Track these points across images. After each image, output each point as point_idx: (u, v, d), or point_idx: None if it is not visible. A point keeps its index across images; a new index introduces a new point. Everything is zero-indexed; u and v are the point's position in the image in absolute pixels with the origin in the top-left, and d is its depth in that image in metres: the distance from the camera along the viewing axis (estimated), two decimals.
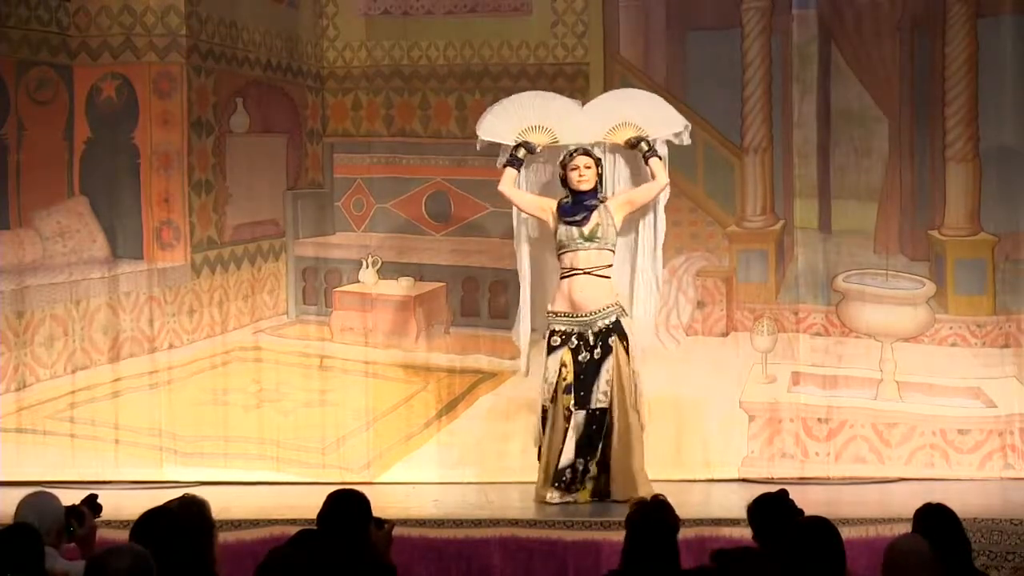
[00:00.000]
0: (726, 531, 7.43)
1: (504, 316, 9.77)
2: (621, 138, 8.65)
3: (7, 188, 9.79)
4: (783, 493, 5.70)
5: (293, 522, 7.01)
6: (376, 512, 5.41)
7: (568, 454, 8.36)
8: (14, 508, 5.46)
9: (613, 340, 8.38)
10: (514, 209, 8.76)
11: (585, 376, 8.37)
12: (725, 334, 10.01)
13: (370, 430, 9.91)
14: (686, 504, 7.48)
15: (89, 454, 9.74)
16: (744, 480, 9.61)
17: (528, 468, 8.87)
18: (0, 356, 9.72)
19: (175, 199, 9.89)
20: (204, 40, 9.94)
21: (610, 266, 8.48)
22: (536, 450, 8.57)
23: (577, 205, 8.45)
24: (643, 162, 8.62)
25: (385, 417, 9.96)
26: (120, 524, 6.20)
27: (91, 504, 5.61)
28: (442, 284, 10.17)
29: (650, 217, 8.69)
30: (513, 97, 8.94)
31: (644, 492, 7.97)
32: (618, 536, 5.29)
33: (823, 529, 4.75)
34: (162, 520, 5.04)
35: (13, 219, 9.81)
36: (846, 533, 5.17)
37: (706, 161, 10.05)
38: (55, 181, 9.86)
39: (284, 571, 4.31)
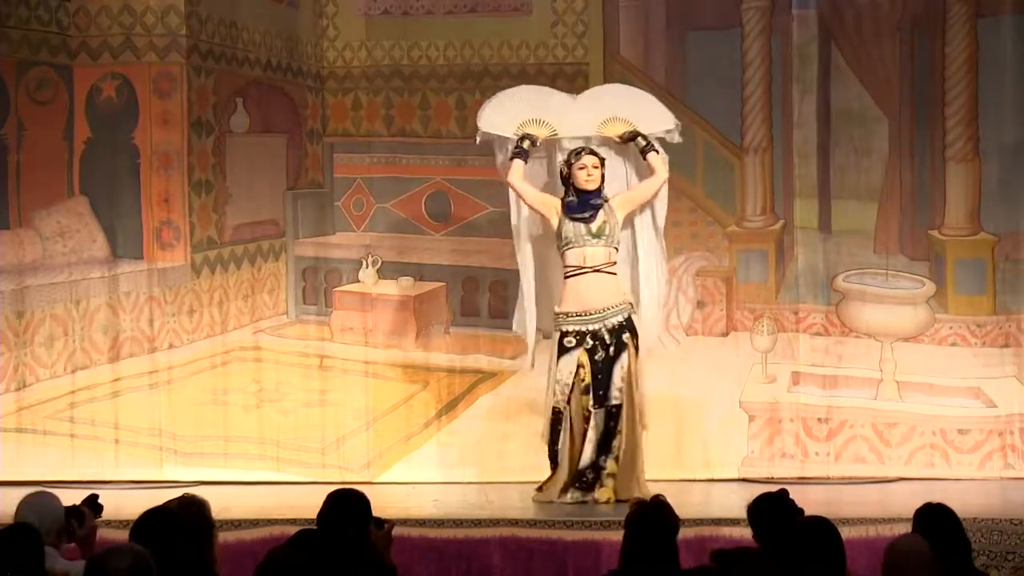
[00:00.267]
0: (726, 531, 7.42)
1: (504, 316, 9.77)
2: (614, 132, 8.64)
3: (7, 188, 9.79)
4: (783, 493, 5.70)
5: (293, 522, 7.01)
6: (376, 512, 5.40)
7: (588, 454, 8.34)
8: (14, 508, 5.45)
9: (626, 337, 8.38)
10: (513, 202, 8.68)
11: (602, 375, 8.34)
12: (725, 334, 10.01)
13: (370, 430, 9.91)
14: (686, 504, 7.48)
15: (89, 454, 9.74)
16: (744, 480, 9.61)
17: (528, 468, 8.87)
18: (0, 356, 9.72)
19: (175, 199, 9.89)
20: (204, 40, 9.94)
21: (616, 263, 8.48)
22: (547, 450, 8.48)
23: (583, 203, 8.44)
24: (640, 157, 8.61)
25: (385, 417, 9.96)
26: (120, 524, 6.19)
27: (91, 504, 5.61)
28: (442, 284, 10.17)
29: (647, 216, 8.65)
30: (509, 91, 8.93)
31: (643, 492, 7.98)
32: (618, 536, 5.28)
33: (823, 529, 4.75)
34: (162, 520, 5.03)
35: (13, 219, 9.81)
36: (846, 533, 5.17)
37: (706, 161, 10.05)
38: (55, 181, 9.86)
39: (284, 571, 4.30)
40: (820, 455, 9.81)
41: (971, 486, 9.37)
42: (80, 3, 9.83)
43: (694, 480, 9.52)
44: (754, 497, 5.70)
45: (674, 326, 9.94)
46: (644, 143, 8.55)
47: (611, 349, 8.36)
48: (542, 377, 8.70)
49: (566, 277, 8.43)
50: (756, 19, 10.01)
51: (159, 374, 9.85)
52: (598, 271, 8.39)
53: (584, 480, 8.34)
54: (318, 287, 10.19)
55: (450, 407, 9.98)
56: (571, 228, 8.40)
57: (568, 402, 8.37)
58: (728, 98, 9.99)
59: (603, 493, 8.32)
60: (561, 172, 8.54)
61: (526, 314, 8.68)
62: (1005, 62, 9.85)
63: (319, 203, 10.23)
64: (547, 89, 9.08)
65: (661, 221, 8.66)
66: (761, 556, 4.86)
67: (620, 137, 8.63)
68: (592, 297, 8.37)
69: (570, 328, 8.38)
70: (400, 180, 10.20)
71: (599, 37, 10.09)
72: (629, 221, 8.63)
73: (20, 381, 9.77)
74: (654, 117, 8.74)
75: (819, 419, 9.83)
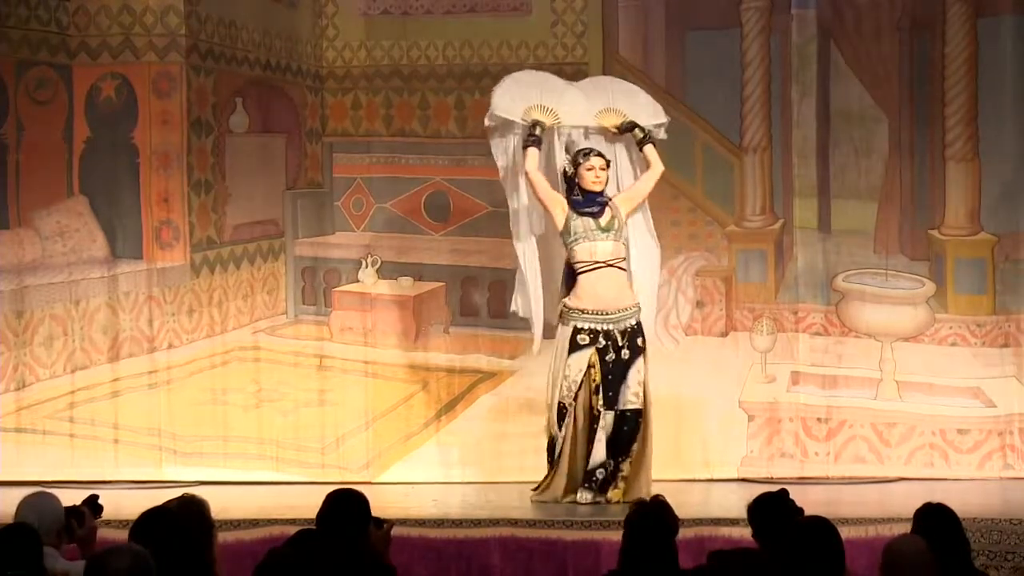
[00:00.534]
0: (725, 531, 7.42)
1: (504, 316, 9.76)
2: (610, 122, 8.63)
3: (7, 188, 9.78)
4: (784, 493, 5.70)
5: (293, 522, 7.00)
6: (375, 512, 5.40)
7: (599, 455, 8.32)
8: (14, 508, 5.45)
9: (640, 341, 8.37)
10: (518, 191, 8.63)
11: (613, 376, 8.32)
12: (724, 334, 10.00)
13: (369, 430, 9.91)
14: (685, 504, 7.48)
15: (89, 454, 9.74)
16: (743, 480, 9.61)
17: (528, 468, 8.87)
18: (0, 356, 9.72)
19: (174, 199, 9.89)
20: (203, 40, 9.94)
21: (624, 259, 8.46)
22: (547, 446, 8.46)
23: (589, 200, 8.43)
24: (629, 150, 8.61)
25: (384, 417, 9.96)
26: (120, 524, 6.18)
27: (91, 504, 5.60)
28: (441, 284, 10.17)
29: (638, 214, 8.62)
30: (515, 75, 8.89)
31: (649, 493, 7.97)
32: (618, 536, 5.28)
33: (823, 529, 4.75)
34: (162, 520, 5.04)
35: (13, 219, 9.81)
36: (846, 533, 5.17)
37: (705, 161, 10.05)
38: (55, 181, 9.86)
39: (283, 571, 4.31)
40: (820, 455, 9.81)
41: (971, 486, 9.37)
42: (79, 3, 9.83)
43: (693, 480, 9.52)
44: (754, 497, 5.71)
45: (673, 326, 9.94)
46: (642, 135, 8.55)
47: (623, 352, 8.34)
48: (541, 377, 8.70)
49: (578, 273, 8.38)
50: (755, 19, 10.01)
51: (158, 374, 9.85)
52: (610, 266, 8.38)
53: (594, 480, 8.33)
54: (317, 287, 10.19)
55: (449, 407, 9.98)
56: (580, 223, 8.38)
57: (575, 399, 8.36)
58: (727, 98, 9.99)
59: (615, 494, 8.31)
60: (565, 171, 8.53)
61: (530, 298, 8.62)
62: (1005, 62, 9.85)
63: (318, 203, 10.23)
64: (547, 74, 9.06)
65: (650, 217, 8.67)
66: (758, 556, 4.85)
67: (617, 127, 8.62)
68: (609, 296, 8.34)
69: (584, 325, 8.35)
70: (399, 180, 10.20)
71: (598, 37, 10.08)
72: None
73: (20, 381, 9.77)
74: (646, 110, 8.74)
75: (819, 419, 9.83)
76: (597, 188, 8.42)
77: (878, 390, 9.89)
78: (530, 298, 8.60)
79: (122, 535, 5.40)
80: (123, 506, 7.10)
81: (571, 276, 8.47)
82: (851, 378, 9.90)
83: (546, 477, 8.47)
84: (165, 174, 9.89)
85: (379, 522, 5.39)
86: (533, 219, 8.62)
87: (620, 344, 8.34)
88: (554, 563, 7.58)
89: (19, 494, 5.60)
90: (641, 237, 8.62)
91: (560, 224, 8.41)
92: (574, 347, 8.33)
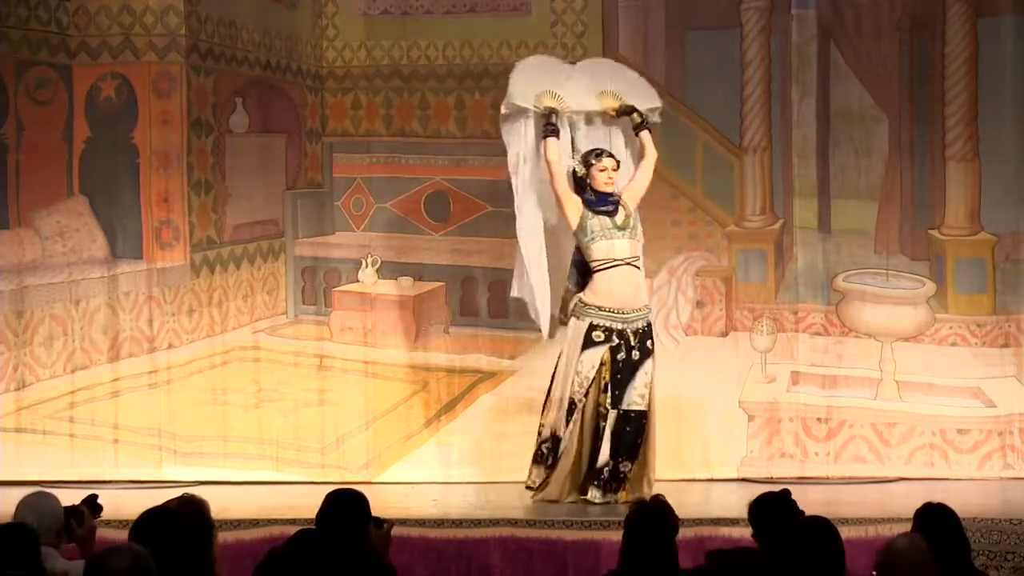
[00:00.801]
0: (725, 531, 7.43)
1: (504, 316, 9.76)
2: (608, 106, 8.64)
3: (6, 188, 9.78)
4: (786, 493, 5.70)
5: (293, 522, 7.01)
6: (375, 512, 5.41)
7: (606, 453, 8.33)
8: (14, 508, 5.45)
9: (650, 343, 8.39)
10: (529, 178, 8.59)
11: (621, 376, 8.32)
12: (724, 334, 10.00)
13: (369, 430, 9.91)
14: (685, 504, 7.47)
15: (89, 454, 9.74)
16: (743, 480, 9.60)
17: (527, 468, 8.85)
18: (0, 356, 9.72)
19: (174, 199, 9.89)
20: (203, 40, 9.94)
21: (640, 257, 8.47)
22: (550, 442, 8.44)
23: (602, 200, 8.44)
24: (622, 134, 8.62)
25: (384, 417, 9.96)
26: (120, 524, 6.19)
27: (91, 504, 5.61)
28: (441, 284, 10.17)
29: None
30: (523, 63, 8.89)
31: (648, 493, 7.97)
32: (618, 536, 5.28)
33: (823, 529, 4.75)
34: (162, 520, 5.04)
35: (13, 219, 9.81)
36: (846, 533, 5.17)
37: (705, 161, 10.05)
38: (55, 181, 9.86)
39: (283, 571, 4.31)
40: (820, 455, 9.80)
41: (971, 486, 9.37)
42: (79, 3, 9.83)
43: (693, 480, 9.52)
44: (754, 496, 5.71)
45: (673, 326, 9.94)
46: (639, 119, 8.56)
47: (634, 353, 8.34)
48: (541, 377, 8.70)
49: (596, 271, 8.37)
50: (755, 19, 10.01)
51: (158, 374, 9.85)
52: (629, 264, 8.38)
53: (601, 479, 8.33)
54: (317, 287, 10.19)
55: (449, 407, 9.98)
56: (596, 221, 8.38)
57: (585, 395, 8.35)
58: (727, 98, 9.99)
59: (623, 495, 8.31)
60: (575, 171, 8.53)
61: (534, 285, 8.58)
62: (1005, 62, 9.85)
63: (318, 203, 10.23)
64: (553, 59, 9.07)
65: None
66: (758, 556, 4.85)
67: (615, 111, 8.63)
68: (625, 294, 8.35)
69: (601, 322, 8.34)
70: (399, 180, 10.20)
71: (598, 37, 10.08)
72: None
73: (20, 381, 9.77)
74: (642, 94, 8.76)
75: (819, 419, 9.83)
76: (609, 189, 8.44)
77: (878, 390, 9.89)
78: (533, 287, 8.58)
79: (122, 535, 5.41)
80: (123, 506, 7.10)
81: (581, 272, 8.47)
82: (851, 378, 9.89)
83: (546, 477, 8.47)
84: (165, 174, 9.89)
85: (379, 522, 5.39)
86: (544, 207, 8.62)
87: (632, 344, 8.34)
88: (554, 563, 7.58)
89: (19, 494, 5.60)
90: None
91: (574, 222, 8.41)
92: (588, 343, 8.33)
